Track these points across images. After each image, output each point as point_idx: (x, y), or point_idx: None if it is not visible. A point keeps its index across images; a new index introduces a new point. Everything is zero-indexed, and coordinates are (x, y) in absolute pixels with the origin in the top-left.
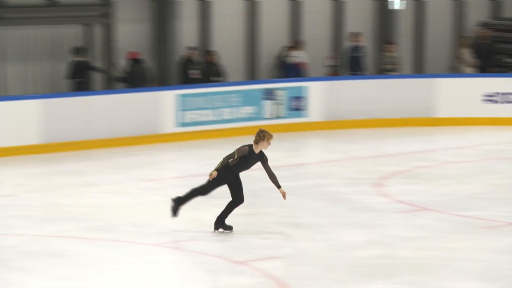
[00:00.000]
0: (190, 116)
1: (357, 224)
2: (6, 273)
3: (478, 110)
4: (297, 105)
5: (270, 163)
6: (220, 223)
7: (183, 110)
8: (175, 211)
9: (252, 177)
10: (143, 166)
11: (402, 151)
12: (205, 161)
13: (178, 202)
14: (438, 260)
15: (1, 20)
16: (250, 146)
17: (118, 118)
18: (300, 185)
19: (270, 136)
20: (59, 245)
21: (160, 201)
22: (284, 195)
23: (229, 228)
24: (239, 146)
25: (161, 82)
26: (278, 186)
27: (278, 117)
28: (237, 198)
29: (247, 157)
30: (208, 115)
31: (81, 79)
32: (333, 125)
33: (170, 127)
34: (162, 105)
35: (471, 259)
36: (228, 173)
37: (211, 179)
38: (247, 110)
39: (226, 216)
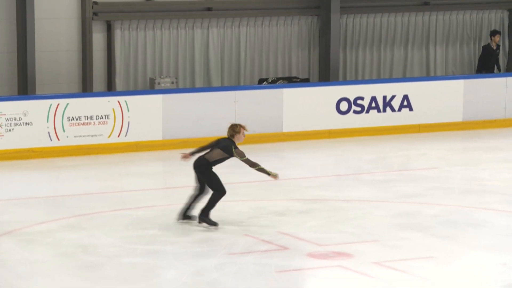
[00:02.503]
0: None
1: None
2: (429, 240)
3: None
4: None
5: None
6: (205, 217)
7: None
8: (209, 222)
9: None
10: None
11: None
12: None
13: (183, 217)
14: None
15: (428, 6)
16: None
17: None
18: None
19: (244, 128)
20: (480, 216)
21: None
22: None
23: (215, 224)
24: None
25: None
26: (268, 173)
27: None
28: (220, 191)
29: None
30: None
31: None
32: None
33: None
34: None
35: None
36: (207, 168)
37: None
38: None
39: (210, 210)
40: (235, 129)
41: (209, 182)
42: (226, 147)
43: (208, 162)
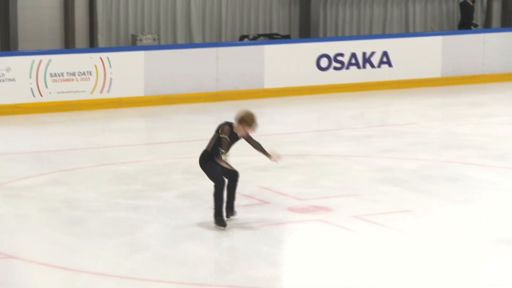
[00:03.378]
0: None
1: None
2: (408, 194)
3: None
4: None
5: None
6: (216, 215)
7: None
8: (222, 221)
9: None
10: None
11: None
12: None
13: (219, 216)
14: None
15: None
16: (230, 124)
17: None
18: None
19: (256, 125)
20: (458, 170)
21: None
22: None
23: (222, 225)
24: None
25: None
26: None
27: None
28: (218, 182)
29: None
30: None
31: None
32: None
33: None
34: None
35: None
36: (206, 160)
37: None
38: None
39: (221, 206)
40: (243, 116)
41: (208, 175)
42: (219, 126)
43: (207, 153)
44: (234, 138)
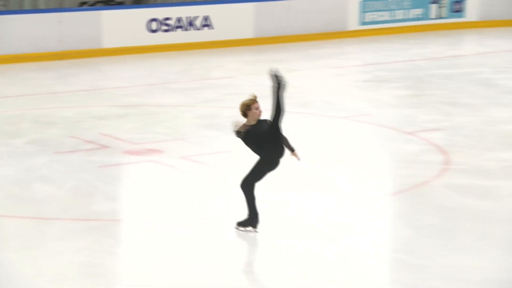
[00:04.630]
0: (371, 16)
1: (505, 104)
2: (227, 137)
3: None
4: (457, 7)
5: (432, 55)
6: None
7: (365, 11)
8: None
9: (418, 66)
10: (331, 56)
11: None
12: (381, 52)
13: (252, 219)
14: None
15: None
16: (242, 126)
17: (313, 18)
18: (458, 72)
19: (252, 101)
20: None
21: (345, 84)
22: (297, 156)
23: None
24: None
25: None
26: (291, 149)
27: (441, 17)
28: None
29: (252, 133)
30: (384, 15)
31: None
32: (486, 24)
33: (354, 25)
34: (348, 7)
35: None
36: (272, 164)
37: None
38: (416, 12)
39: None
40: (242, 108)
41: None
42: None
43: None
44: (258, 129)
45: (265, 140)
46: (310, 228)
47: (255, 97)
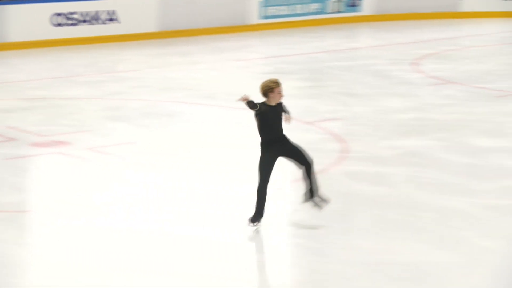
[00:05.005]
0: (271, 10)
1: (398, 94)
2: (132, 128)
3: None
4: (353, 2)
5: (330, 48)
6: (313, 194)
7: (266, 6)
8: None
9: (317, 58)
10: (234, 49)
11: (433, 38)
12: (281, 45)
13: (257, 218)
14: (460, 122)
15: None
16: (262, 103)
17: (216, 12)
18: (354, 64)
19: (277, 84)
20: (173, 108)
21: (248, 76)
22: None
23: (325, 200)
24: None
25: None
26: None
27: (338, 12)
28: (304, 161)
29: (264, 113)
30: (284, 10)
31: None
32: (381, 18)
33: (254, 19)
34: (249, 1)
35: (485, 120)
36: (268, 148)
37: (242, 100)
38: (315, 6)
39: (315, 184)
40: (264, 88)
41: (291, 158)
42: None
43: (263, 143)
44: (273, 112)
45: (276, 121)
46: (207, 214)
47: (278, 81)
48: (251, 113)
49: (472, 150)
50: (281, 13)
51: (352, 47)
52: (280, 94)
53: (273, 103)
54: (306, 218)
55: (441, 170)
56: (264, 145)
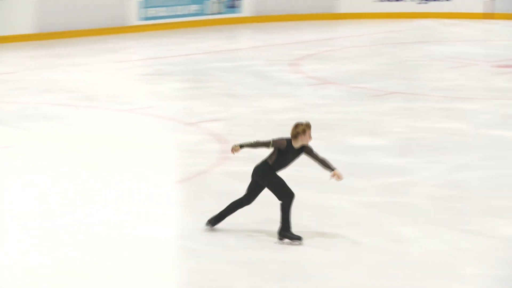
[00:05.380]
0: (150, 12)
1: (278, 94)
2: (9, 131)
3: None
4: (232, 3)
5: (211, 49)
6: (286, 231)
7: (145, 7)
8: (291, 236)
9: (197, 59)
10: (114, 51)
11: (312, 38)
12: (162, 47)
13: (215, 222)
14: (338, 121)
15: None
16: (289, 140)
17: (96, 13)
18: (235, 65)
19: (309, 127)
20: (52, 110)
21: (128, 77)
22: (338, 176)
23: (298, 238)
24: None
25: None
26: (331, 169)
27: (218, 13)
28: (285, 196)
29: (285, 152)
30: (163, 11)
31: None
32: (261, 19)
33: (134, 20)
34: (128, 3)
35: (362, 119)
36: (268, 173)
37: (233, 153)
38: (194, 7)
39: (289, 221)
40: (297, 129)
41: (273, 189)
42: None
43: (269, 166)
44: (293, 154)
45: (291, 162)
46: (95, 218)
47: (309, 123)
48: (133, 115)
49: (350, 148)
50: (161, 14)
51: (232, 48)
52: (310, 138)
53: (298, 145)
54: (190, 220)
55: (321, 169)
56: (272, 170)
